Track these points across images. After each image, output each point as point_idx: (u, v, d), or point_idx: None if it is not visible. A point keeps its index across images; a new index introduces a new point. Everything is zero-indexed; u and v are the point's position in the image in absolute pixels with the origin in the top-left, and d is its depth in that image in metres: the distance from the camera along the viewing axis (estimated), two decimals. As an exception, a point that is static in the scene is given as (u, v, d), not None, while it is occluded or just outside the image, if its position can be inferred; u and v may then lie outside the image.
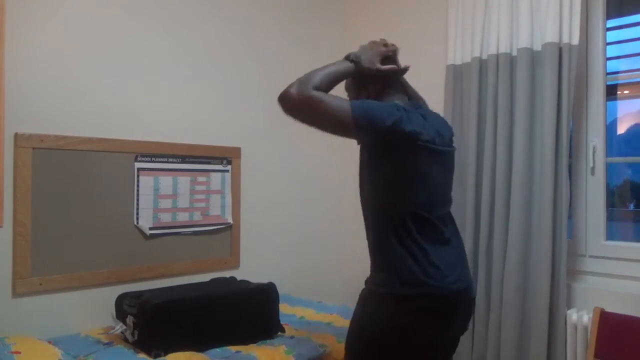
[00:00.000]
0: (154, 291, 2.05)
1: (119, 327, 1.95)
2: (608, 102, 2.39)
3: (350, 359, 1.60)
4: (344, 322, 2.24)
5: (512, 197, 2.37)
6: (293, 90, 1.43)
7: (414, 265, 1.49)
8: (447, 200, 1.65)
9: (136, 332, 1.89)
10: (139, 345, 1.86)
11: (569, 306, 2.32)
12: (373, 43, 1.69)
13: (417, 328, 1.50)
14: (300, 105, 1.44)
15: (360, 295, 1.62)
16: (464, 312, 1.59)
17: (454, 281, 1.53)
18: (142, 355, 1.82)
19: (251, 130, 2.77)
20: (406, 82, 1.80)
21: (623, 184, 2.63)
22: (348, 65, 1.60)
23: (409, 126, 1.48)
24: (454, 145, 1.72)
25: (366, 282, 1.62)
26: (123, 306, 1.99)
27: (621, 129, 2.53)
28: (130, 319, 1.92)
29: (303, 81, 1.45)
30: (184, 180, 2.46)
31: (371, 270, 1.61)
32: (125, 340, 1.95)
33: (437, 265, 1.51)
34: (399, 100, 1.63)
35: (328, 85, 1.53)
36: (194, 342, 1.88)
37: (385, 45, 1.71)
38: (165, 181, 2.40)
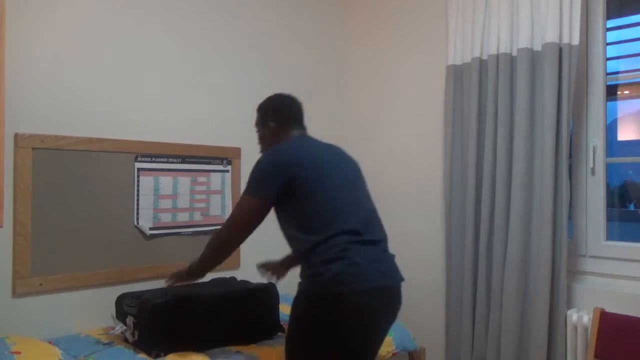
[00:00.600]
0: (153, 291, 2.05)
1: (119, 328, 1.95)
2: (608, 103, 2.39)
3: None
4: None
5: (512, 197, 2.36)
6: (229, 239, 1.83)
7: None
8: None
9: (136, 333, 1.89)
10: (139, 345, 1.86)
11: (569, 306, 2.32)
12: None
13: None
14: (239, 228, 1.82)
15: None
16: None
17: None
18: (142, 356, 1.82)
19: (251, 130, 2.74)
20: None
21: (623, 184, 2.63)
22: (198, 267, 1.91)
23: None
24: None
25: None
26: (123, 306, 1.99)
27: (622, 133, 2.54)
28: (130, 319, 1.92)
29: (220, 237, 1.85)
30: (184, 181, 2.46)
31: None
32: (126, 340, 1.95)
33: None
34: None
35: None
36: (194, 343, 1.88)
37: None
38: (166, 181, 2.40)
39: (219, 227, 2.55)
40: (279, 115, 1.96)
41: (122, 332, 1.95)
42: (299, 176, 1.72)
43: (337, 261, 1.65)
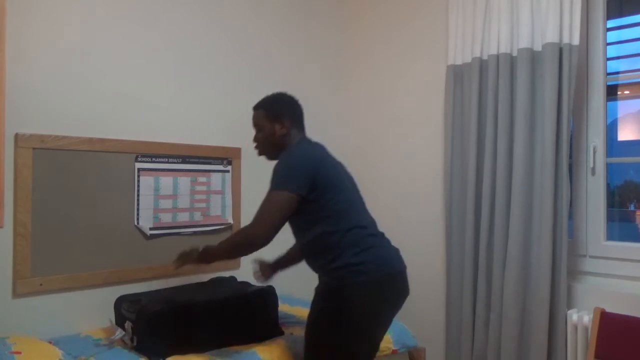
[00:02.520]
0: (152, 295, 2.05)
1: (118, 334, 1.94)
2: (608, 103, 2.39)
3: None
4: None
5: (512, 197, 2.37)
6: (259, 239, 1.75)
7: None
8: None
9: (135, 338, 1.89)
10: (138, 350, 1.87)
11: (570, 306, 2.32)
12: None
13: None
14: (268, 231, 1.74)
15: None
16: None
17: None
18: (142, 359, 1.82)
19: (251, 130, 2.75)
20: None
21: (623, 184, 2.63)
22: (207, 253, 1.90)
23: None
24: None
25: None
26: (122, 310, 1.99)
27: (622, 133, 2.54)
28: (128, 325, 1.92)
29: (246, 236, 1.80)
30: (185, 181, 2.46)
31: None
32: (125, 343, 1.95)
33: None
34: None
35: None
36: (193, 347, 1.87)
37: None
38: (166, 181, 2.40)
39: (220, 226, 2.57)
40: (294, 115, 1.96)
41: (121, 338, 1.94)
42: (323, 175, 1.79)
43: (368, 250, 1.78)
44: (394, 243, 1.92)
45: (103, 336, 2.04)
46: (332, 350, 1.75)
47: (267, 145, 1.96)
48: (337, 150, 3.26)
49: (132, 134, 2.32)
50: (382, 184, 3.03)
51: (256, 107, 1.99)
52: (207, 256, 1.86)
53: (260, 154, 2.01)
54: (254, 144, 2.00)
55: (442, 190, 2.77)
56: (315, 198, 1.76)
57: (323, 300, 1.80)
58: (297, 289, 2.85)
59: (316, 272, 1.90)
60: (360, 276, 1.74)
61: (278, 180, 1.77)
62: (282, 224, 1.76)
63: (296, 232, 1.90)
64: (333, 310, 1.76)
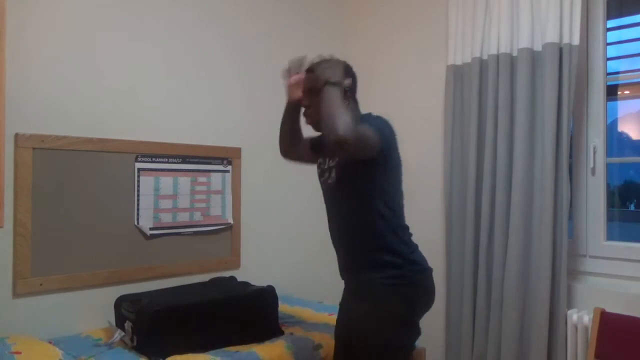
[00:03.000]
0: (152, 295, 2.04)
1: (118, 335, 1.94)
2: (608, 103, 2.39)
3: None
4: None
5: (512, 197, 2.37)
6: (349, 136, 1.52)
7: None
8: None
9: (135, 338, 1.89)
10: (138, 350, 1.87)
11: (570, 306, 2.32)
12: (327, 61, 1.76)
13: None
14: (355, 145, 1.57)
15: None
16: None
17: None
18: (142, 359, 1.82)
19: (251, 130, 2.77)
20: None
21: (623, 184, 2.63)
22: (337, 90, 1.64)
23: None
24: None
25: None
26: (122, 310, 1.99)
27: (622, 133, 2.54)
28: (128, 325, 1.92)
29: (348, 124, 1.52)
30: (185, 181, 2.46)
31: None
32: (125, 344, 1.95)
33: None
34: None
35: None
36: (193, 347, 1.88)
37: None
38: (166, 181, 2.40)
39: (220, 226, 2.57)
40: (355, 83, 1.85)
41: (121, 339, 1.94)
42: (396, 152, 1.77)
43: (416, 249, 1.80)
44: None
45: (103, 336, 2.04)
46: (401, 352, 1.72)
47: (346, 115, 1.66)
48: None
49: (132, 134, 2.32)
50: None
51: (345, 70, 1.75)
52: (324, 85, 1.62)
53: (311, 124, 1.81)
54: (305, 113, 1.81)
55: (442, 190, 2.77)
56: (384, 170, 1.70)
57: (384, 299, 1.68)
58: (297, 289, 2.85)
59: (352, 258, 1.78)
60: (420, 274, 1.76)
61: (372, 126, 1.65)
62: (360, 144, 1.58)
63: (349, 206, 1.73)
64: (401, 311, 1.70)
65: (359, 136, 1.57)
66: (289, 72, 1.85)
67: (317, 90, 1.66)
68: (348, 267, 1.83)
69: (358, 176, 1.69)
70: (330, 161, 1.79)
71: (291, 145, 1.99)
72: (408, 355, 1.78)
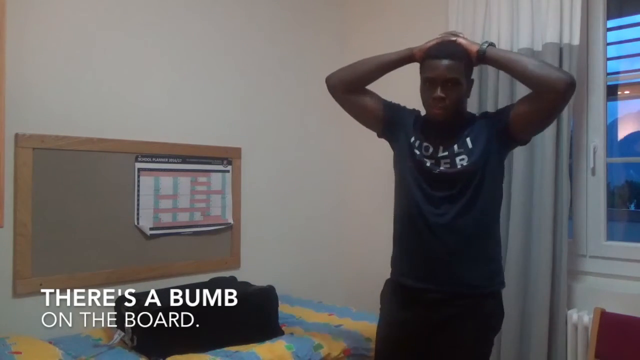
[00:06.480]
0: (152, 295, 2.04)
1: (118, 336, 1.94)
2: (608, 103, 2.39)
3: None
4: (341, 322, 2.27)
5: (512, 197, 2.36)
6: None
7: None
8: None
9: (135, 338, 1.89)
10: (138, 350, 1.87)
11: (570, 306, 2.32)
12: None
13: None
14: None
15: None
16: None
17: None
18: (143, 358, 1.82)
19: (251, 130, 2.76)
20: None
21: (624, 184, 2.63)
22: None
23: None
24: None
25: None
26: (122, 310, 1.99)
27: (622, 133, 2.54)
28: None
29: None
30: (185, 181, 2.46)
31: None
32: (125, 344, 1.95)
33: None
34: None
35: None
36: (193, 347, 1.88)
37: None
38: (166, 181, 2.40)
39: (220, 226, 2.57)
40: None
41: (122, 339, 1.94)
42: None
43: None
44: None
45: (103, 336, 2.04)
46: None
47: (457, 104, 1.59)
48: (339, 153, 3.27)
49: (132, 134, 2.31)
50: (381, 184, 3.02)
51: (454, 56, 1.57)
52: (488, 52, 1.58)
53: (443, 115, 1.59)
54: (442, 102, 1.57)
55: (442, 190, 2.76)
56: (502, 175, 1.67)
57: (489, 315, 1.63)
58: (297, 289, 2.85)
59: (465, 267, 1.59)
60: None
61: None
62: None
63: (482, 202, 1.59)
64: (497, 325, 1.71)
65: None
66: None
67: (475, 55, 1.59)
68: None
69: (499, 165, 1.64)
70: (456, 147, 1.60)
71: (355, 85, 1.83)
72: None
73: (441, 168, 1.61)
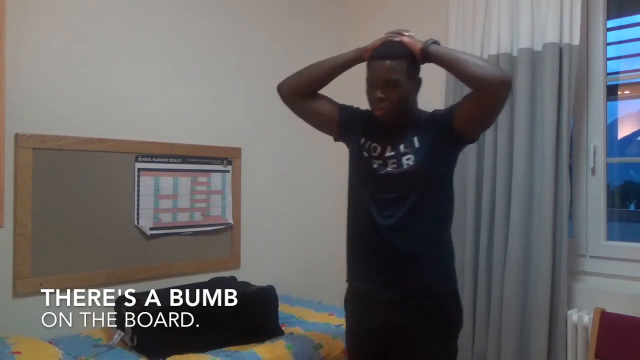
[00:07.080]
0: (152, 295, 2.04)
1: (117, 337, 1.94)
2: (608, 103, 2.39)
3: None
4: (341, 322, 2.24)
5: (512, 197, 2.36)
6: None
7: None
8: None
9: (135, 338, 1.89)
10: (138, 350, 1.87)
11: (570, 306, 2.32)
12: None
13: None
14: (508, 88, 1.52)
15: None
16: None
17: None
18: (143, 358, 1.82)
19: (251, 130, 2.76)
20: None
21: (623, 184, 2.63)
22: None
23: None
24: None
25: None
26: (122, 310, 1.99)
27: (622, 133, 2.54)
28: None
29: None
30: (185, 181, 2.46)
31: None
32: (125, 344, 1.95)
33: None
34: None
35: None
36: (193, 347, 1.88)
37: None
38: (166, 181, 2.40)
39: (220, 226, 2.57)
40: None
41: (122, 339, 1.94)
42: None
43: None
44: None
45: (103, 336, 2.04)
46: None
47: (400, 105, 1.60)
48: (337, 152, 3.26)
49: (132, 134, 2.31)
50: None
51: (394, 57, 1.58)
52: (432, 48, 1.56)
53: (385, 115, 1.61)
54: (382, 102, 1.59)
55: (442, 190, 2.76)
56: (451, 174, 1.64)
57: (444, 317, 1.65)
58: (297, 289, 2.85)
59: (417, 268, 1.58)
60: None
61: None
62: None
63: (431, 203, 1.58)
64: (458, 320, 1.73)
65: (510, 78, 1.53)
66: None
67: (419, 53, 1.57)
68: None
69: (448, 164, 1.64)
70: (403, 147, 1.60)
71: (307, 90, 1.80)
72: None
73: (388, 169, 1.60)
